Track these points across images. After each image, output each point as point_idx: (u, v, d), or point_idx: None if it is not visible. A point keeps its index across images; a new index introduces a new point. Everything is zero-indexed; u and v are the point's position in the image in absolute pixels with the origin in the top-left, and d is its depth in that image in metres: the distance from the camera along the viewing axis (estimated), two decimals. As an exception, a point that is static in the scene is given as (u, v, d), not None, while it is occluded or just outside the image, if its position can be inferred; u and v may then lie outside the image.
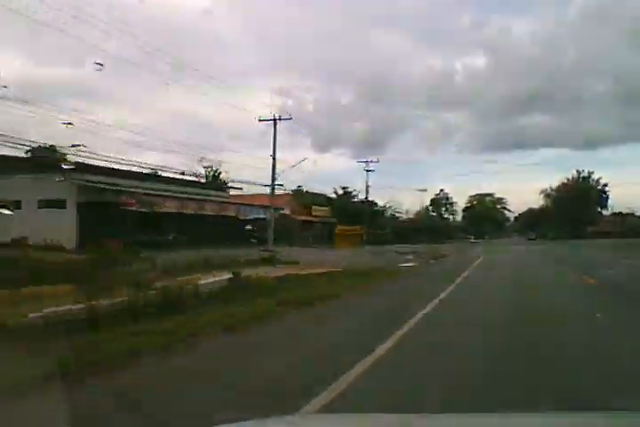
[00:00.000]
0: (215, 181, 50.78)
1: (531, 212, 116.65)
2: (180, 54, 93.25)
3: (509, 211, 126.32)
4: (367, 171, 56.30)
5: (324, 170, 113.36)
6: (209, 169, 52.42)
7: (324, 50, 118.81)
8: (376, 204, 68.97)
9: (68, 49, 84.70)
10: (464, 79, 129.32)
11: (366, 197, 59.76)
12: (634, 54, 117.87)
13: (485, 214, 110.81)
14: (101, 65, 22.04)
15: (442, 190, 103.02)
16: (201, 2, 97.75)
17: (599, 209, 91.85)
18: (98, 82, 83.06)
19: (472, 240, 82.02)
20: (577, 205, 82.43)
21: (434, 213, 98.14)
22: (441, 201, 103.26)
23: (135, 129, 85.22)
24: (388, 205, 75.88)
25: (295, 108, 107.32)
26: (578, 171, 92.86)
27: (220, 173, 52.47)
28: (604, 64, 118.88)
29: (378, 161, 58.03)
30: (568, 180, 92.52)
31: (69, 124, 23.30)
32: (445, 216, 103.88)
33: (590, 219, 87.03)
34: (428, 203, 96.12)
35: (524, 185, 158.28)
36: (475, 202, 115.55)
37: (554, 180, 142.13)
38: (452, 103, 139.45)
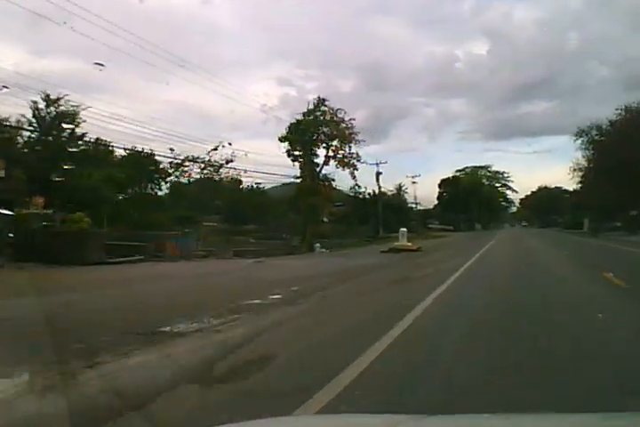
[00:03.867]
0: None
1: (544, 191, 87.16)
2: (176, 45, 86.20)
3: (514, 191, 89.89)
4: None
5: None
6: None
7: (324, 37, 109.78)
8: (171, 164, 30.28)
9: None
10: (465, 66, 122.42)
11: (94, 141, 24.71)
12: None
13: (475, 193, 71.83)
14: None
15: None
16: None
17: None
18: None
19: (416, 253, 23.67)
20: None
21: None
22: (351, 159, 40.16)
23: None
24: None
25: (293, 96, 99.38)
26: (627, 107, 44.65)
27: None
28: (609, 49, 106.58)
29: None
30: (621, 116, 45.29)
31: None
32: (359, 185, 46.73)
33: None
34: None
35: (528, 172, 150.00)
36: (462, 176, 76.75)
37: (559, 168, 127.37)
38: (452, 90, 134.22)
